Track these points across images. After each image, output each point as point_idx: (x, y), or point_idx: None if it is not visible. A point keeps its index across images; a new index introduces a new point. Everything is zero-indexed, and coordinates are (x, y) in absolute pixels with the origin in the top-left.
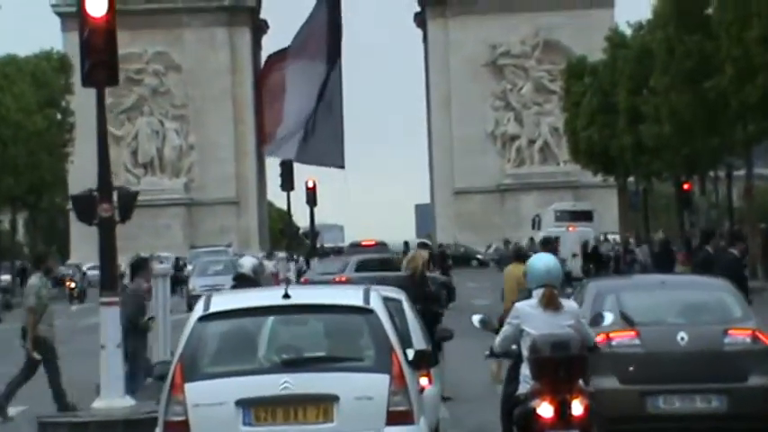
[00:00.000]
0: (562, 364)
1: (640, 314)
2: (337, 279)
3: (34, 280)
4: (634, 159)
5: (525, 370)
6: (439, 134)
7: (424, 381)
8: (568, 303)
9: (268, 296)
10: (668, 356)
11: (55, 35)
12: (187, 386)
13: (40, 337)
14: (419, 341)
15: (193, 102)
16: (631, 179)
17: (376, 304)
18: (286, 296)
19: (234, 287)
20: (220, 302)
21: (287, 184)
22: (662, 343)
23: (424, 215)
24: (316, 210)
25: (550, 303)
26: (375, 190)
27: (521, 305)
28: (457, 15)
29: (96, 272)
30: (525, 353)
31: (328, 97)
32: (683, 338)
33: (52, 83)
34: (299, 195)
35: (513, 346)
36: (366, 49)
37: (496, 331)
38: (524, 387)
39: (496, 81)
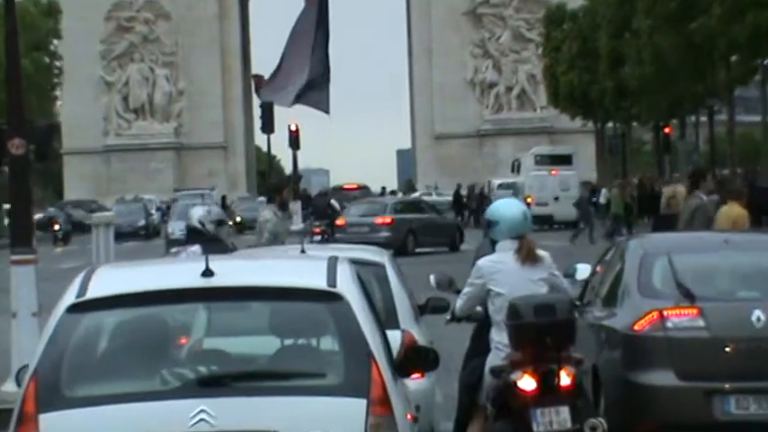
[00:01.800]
0: (548, 331)
1: (701, 285)
2: (380, 221)
3: (267, 214)
4: (614, 103)
5: (496, 335)
6: (420, 82)
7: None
8: (542, 253)
9: (181, 273)
10: (741, 343)
11: None
12: (43, 419)
13: None
14: (407, 319)
15: (182, 49)
16: (610, 124)
17: (346, 285)
18: (207, 273)
19: (185, 243)
20: (106, 282)
21: (267, 126)
22: (732, 325)
23: (406, 160)
24: (302, 155)
25: (530, 256)
26: (359, 136)
27: (484, 262)
28: None
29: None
30: (496, 316)
31: (317, 47)
32: (759, 319)
33: (40, 26)
34: (283, 139)
35: (478, 308)
36: (350, 0)
37: (458, 292)
38: (497, 356)
39: (476, 30)
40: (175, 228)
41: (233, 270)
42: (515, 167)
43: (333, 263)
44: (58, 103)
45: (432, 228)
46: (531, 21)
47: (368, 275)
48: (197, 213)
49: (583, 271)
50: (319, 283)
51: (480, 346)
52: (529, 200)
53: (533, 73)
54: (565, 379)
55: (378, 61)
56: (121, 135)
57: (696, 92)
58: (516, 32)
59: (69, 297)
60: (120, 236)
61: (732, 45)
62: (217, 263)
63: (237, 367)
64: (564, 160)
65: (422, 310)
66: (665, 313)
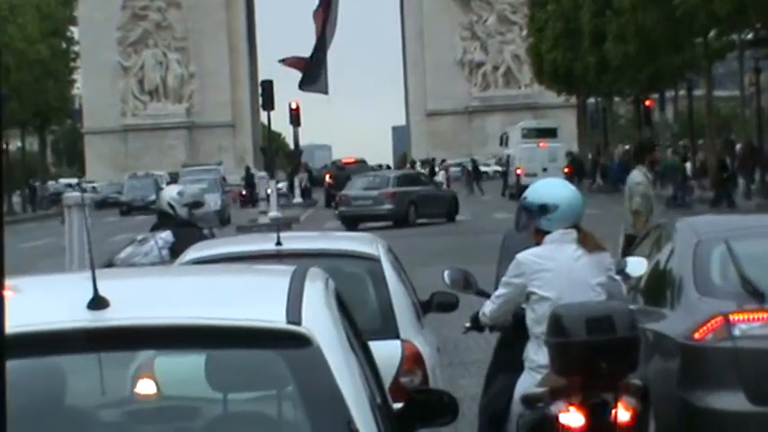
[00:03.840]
0: (604, 352)
1: None
2: (384, 193)
3: (638, 175)
4: (597, 78)
5: (532, 353)
6: (413, 62)
7: None
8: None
9: (61, 303)
10: None
11: None
12: None
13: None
14: (408, 324)
15: (193, 34)
16: (591, 99)
17: (316, 318)
18: (97, 304)
19: (154, 228)
20: None
21: (267, 104)
22: None
23: (401, 135)
24: (305, 132)
25: (598, 248)
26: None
27: (527, 257)
28: None
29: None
30: (534, 328)
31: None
32: None
33: (56, 14)
34: (286, 117)
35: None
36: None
37: (479, 292)
38: (532, 380)
39: (464, 13)
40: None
41: (141, 295)
42: (504, 141)
43: (298, 281)
44: (76, 86)
45: (431, 199)
46: (516, 5)
47: (360, 271)
48: (168, 194)
49: (636, 266)
50: (275, 317)
51: (507, 362)
52: (519, 171)
53: (518, 53)
54: (623, 414)
55: (374, 43)
56: (137, 115)
57: (675, 65)
58: (502, 15)
59: None
60: (133, 209)
61: (712, 18)
62: (119, 283)
63: None
64: (549, 133)
65: (425, 308)
66: (731, 318)
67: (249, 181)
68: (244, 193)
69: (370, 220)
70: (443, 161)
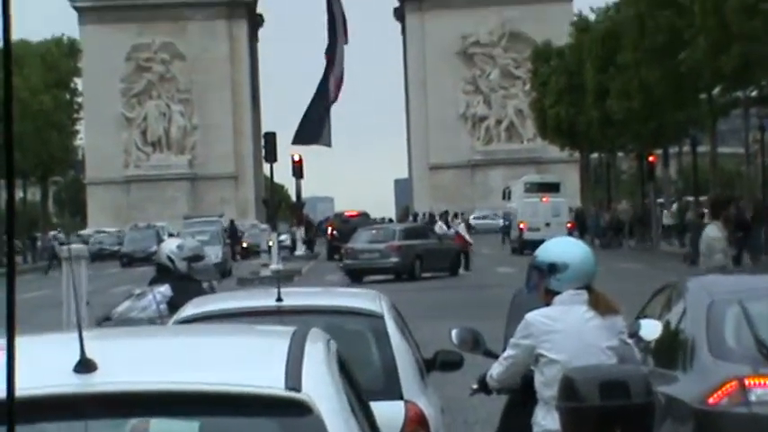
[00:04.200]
0: (618, 419)
1: None
2: (390, 247)
3: (714, 231)
4: (601, 133)
5: (541, 418)
6: (416, 115)
7: None
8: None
9: (47, 366)
10: None
11: (71, 28)
12: None
13: None
14: (412, 384)
15: (196, 87)
16: (594, 155)
17: (317, 384)
18: (84, 367)
19: (153, 282)
20: None
21: (270, 156)
22: None
23: (403, 188)
24: (308, 183)
25: (609, 309)
26: (360, 165)
27: (536, 318)
28: (432, 9)
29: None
30: (544, 391)
31: (322, 84)
32: None
33: (61, 65)
34: (289, 169)
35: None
36: (351, 40)
37: (487, 353)
38: None
39: (467, 68)
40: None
41: (132, 358)
42: (506, 195)
43: (298, 343)
44: (79, 137)
45: (435, 253)
46: (519, 60)
47: (362, 329)
48: (167, 248)
49: (650, 329)
50: (273, 382)
51: (515, 426)
52: (522, 225)
53: (520, 107)
54: None
55: (377, 96)
56: (140, 166)
57: (679, 121)
58: (505, 70)
59: None
60: (134, 261)
61: (717, 76)
62: (109, 343)
63: None
64: (552, 188)
65: (429, 366)
66: (747, 382)
67: (232, 233)
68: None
69: (376, 274)
70: (459, 213)
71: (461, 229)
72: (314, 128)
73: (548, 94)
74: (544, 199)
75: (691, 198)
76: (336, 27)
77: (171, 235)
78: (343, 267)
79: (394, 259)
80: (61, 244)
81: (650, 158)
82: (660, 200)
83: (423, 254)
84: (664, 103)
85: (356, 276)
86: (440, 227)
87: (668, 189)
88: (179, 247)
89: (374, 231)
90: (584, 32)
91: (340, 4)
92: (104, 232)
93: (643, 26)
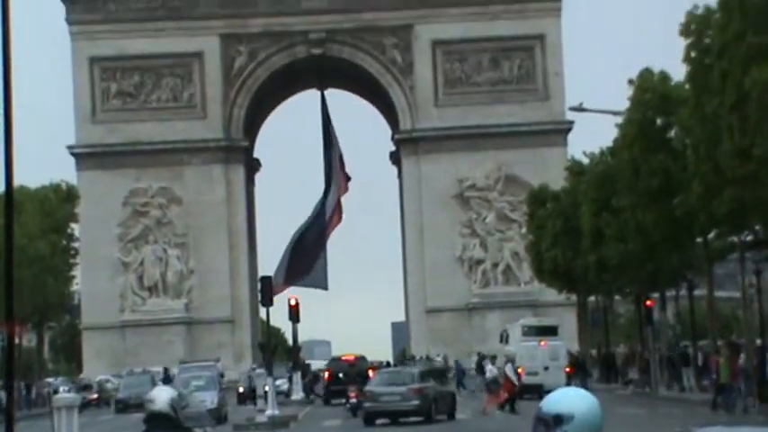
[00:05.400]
0: None
1: None
2: (412, 388)
3: None
4: (597, 276)
5: None
6: (413, 258)
7: None
8: None
9: None
10: None
11: (69, 173)
12: None
13: None
14: None
15: (193, 231)
16: (592, 298)
17: None
18: None
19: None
20: None
21: (266, 300)
22: None
23: (400, 331)
24: (305, 327)
25: None
26: (357, 309)
27: None
28: (428, 153)
29: (112, 382)
30: None
31: (316, 227)
32: None
33: (58, 211)
34: (286, 312)
35: None
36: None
37: None
38: None
39: (464, 211)
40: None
41: None
42: (504, 338)
43: None
44: (75, 282)
45: (445, 396)
46: (514, 203)
47: None
48: (165, 396)
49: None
50: None
51: None
52: (520, 370)
53: (517, 250)
54: None
55: (373, 239)
56: (136, 311)
57: (675, 266)
58: (501, 214)
59: None
60: (129, 407)
61: (711, 220)
62: None
63: None
64: (550, 331)
65: None
66: None
67: (167, 379)
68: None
69: (398, 416)
70: (507, 356)
71: (509, 370)
72: (305, 266)
73: (544, 238)
74: (542, 343)
75: (688, 343)
76: (333, 172)
77: (167, 379)
78: (363, 411)
79: (415, 402)
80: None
81: (647, 302)
82: (658, 344)
83: (437, 396)
84: (660, 247)
85: (371, 420)
86: (490, 370)
87: (666, 333)
88: (179, 395)
89: (392, 374)
90: (579, 176)
91: (338, 147)
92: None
93: (637, 170)
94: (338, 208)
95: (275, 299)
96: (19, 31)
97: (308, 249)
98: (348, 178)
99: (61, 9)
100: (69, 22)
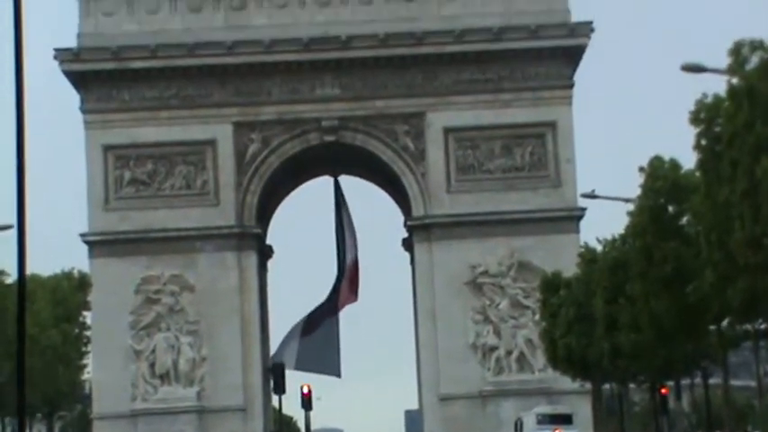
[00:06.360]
0: None
1: None
2: None
3: None
4: (612, 364)
5: None
6: (425, 345)
7: None
8: None
9: None
10: None
11: (81, 261)
12: None
13: None
14: None
15: (205, 318)
16: (606, 385)
17: None
18: None
19: None
20: None
21: (279, 388)
22: None
23: (413, 419)
24: (317, 414)
25: None
26: (370, 396)
27: None
28: (440, 240)
29: None
30: None
31: (329, 316)
32: None
33: (70, 300)
34: (298, 400)
35: None
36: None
37: None
38: None
39: (476, 297)
40: None
41: None
42: (518, 427)
43: None
44: (86, 370)
45: None
46: (528, 289)
47: None
48: None
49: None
50: None
51: None
52: None
53: (530, 337)
54: None
55: (386, 326)
56: (147, 400)
57: (690, 354)
58: (514, 300)
59: None
60: None
61: (725, 309)
62: None
63: None
64: (565, 420)
65: None
66: None
67: None
68: None
69: None
70: None
71: None
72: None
73: (557, 325)
74: (557, 431)
75: None
76: (346, 256)
77: None
78: None
79: None
80: None
81: (662, 390)
82: None
83: None
84: (674, 335)
85: None
86: None
87: (681, 421)
88: None
89: None
90: (592, 263)
91: (354, 235)
92: None
93: (650, 257)
94: (351, 287)
95: (287, 387)
96: (33, 120)
97: (319, 335)
98: (356, 286)
99: (75, 98)
100: (83, 110)
